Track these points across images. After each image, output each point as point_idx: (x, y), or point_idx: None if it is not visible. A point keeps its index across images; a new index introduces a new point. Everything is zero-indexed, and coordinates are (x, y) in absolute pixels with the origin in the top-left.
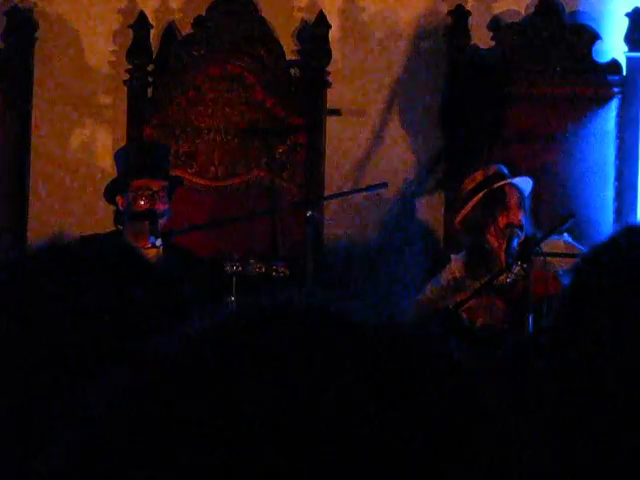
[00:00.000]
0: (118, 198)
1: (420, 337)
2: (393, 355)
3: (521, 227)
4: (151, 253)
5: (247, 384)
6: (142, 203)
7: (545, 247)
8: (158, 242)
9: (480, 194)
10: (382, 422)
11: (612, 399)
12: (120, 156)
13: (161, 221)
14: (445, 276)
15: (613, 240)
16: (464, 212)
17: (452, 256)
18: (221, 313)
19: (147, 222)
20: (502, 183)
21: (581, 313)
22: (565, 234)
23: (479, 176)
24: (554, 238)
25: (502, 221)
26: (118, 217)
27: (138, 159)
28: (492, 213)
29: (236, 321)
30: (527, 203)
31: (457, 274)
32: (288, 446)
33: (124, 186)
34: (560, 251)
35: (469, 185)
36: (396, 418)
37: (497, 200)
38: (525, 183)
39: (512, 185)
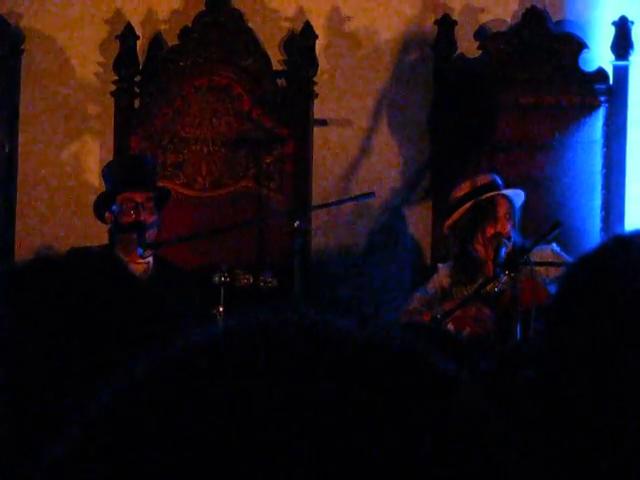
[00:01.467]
0: (107, 214)
1: (408, 353)
2: (381, 372)
3: (509, 238)
4: (140, 268)
5: (233, 404)
6: (128, 216)
7: (533, 256)
8: (147, 255)
9: (470, 202)
10: (369, 439)
11: (601, 406)
12: (106, 172)
13: (150, 232)
14: (432, 285)
15: (601, 249)
16: (454, 218)
17: (439, 265)
18: (209, 330)
19: (134, 234)
20: (493, 194)
21: (569, 321)
22: (553, 243)
23: (470, 184)
24: (542, 247)
25: (490, 231)
26: (110, 233)
27: (121, 173)
28: (481, 222)
29: (226, 339)
30: (517, 215)
31: (444, 283)
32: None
33: (111, 201)
34: (548, 260)
35: (459, 192)
36: (383, 435)
37: (487, 210)
38: (517, 195)
39: (503, 196)
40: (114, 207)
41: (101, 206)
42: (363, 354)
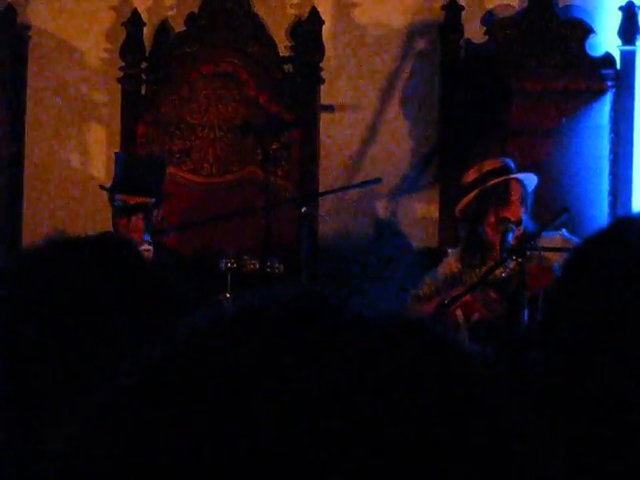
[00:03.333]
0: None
1: (421, 331)
2: (393, 351)
3: (519, 223)
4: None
5: (244, 387)
6: (120, 218)
7: (543, 242)
8: (148, 245)
9: (483, 185)
10: (381, 421)
11: (603, 387)
12: (119, 161)
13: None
14: (442, 270)
15: (607, 230)
16: (465, 202)
17: (449, 250)
18: (215, 312)
19: (129, 219)
20: (508, 177)
21: (573, 300)
22: (563, 229)
23: (484, 167)
24: (552, 234)
25: (502, 215)
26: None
27: (122, 173)
28: (493, 206)
29: (233, 320)
30: (530, 200)
31: (454, 268)
32: (284, 452)
33: (114, 195)
34: (557, 246)
35: (473, 175)
36: (396, 416)
37: (500, 193)
38: (530, 179)
39: (517, 180)
40: (117, 202)
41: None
42: (374, 333)
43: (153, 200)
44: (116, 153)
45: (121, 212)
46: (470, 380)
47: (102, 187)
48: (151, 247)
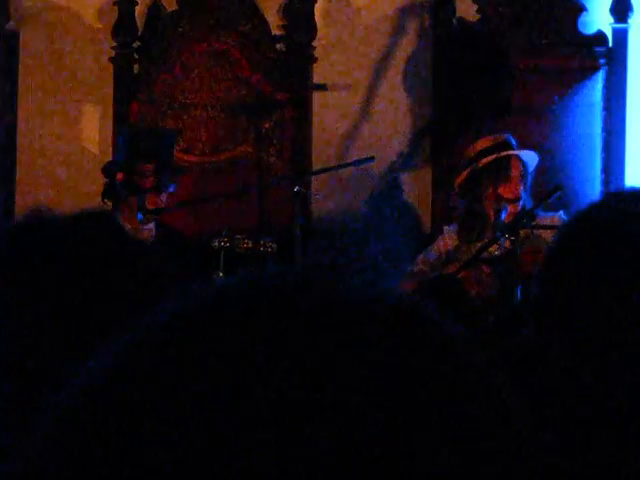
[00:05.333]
0: (119, 175)
1: (418, 313)
2: (389, 332)
3: (517, 200)
4: (145, 235)
5: (241, 366)
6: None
7: (542, 222)
8: (152, 225)
9: (486, 159)
10: (378, 405)
11: (593, 364)
12: (126, 137)
13: (156, 198)
14: (437, 247)
15: (597, 204)
16: (465, 175)
17: (445, 227)
18: (208, 291)
19: (134, 197)
20: (510, 153)
21: (561, 277)
22: (561, 211)
23: (485, 142)
24: (550, 214)
25: (501, 191)
26: (108, 191)
27: (143, 143)
28: (492, 182)
29: (226, 299)
30: (529, 179)
31: (449, 246)
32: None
33: (126, 167)
34: (554, 225)
35: (472, 150)
36: (394, 401)
37: (500, 170)
38: (531, 158)
39: (517, 158)
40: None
41: (114, 168)
42: (365, 308)
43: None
44: (122, 128)
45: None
46: (461, 365)
47: (111, 164)
48: (153, 226)
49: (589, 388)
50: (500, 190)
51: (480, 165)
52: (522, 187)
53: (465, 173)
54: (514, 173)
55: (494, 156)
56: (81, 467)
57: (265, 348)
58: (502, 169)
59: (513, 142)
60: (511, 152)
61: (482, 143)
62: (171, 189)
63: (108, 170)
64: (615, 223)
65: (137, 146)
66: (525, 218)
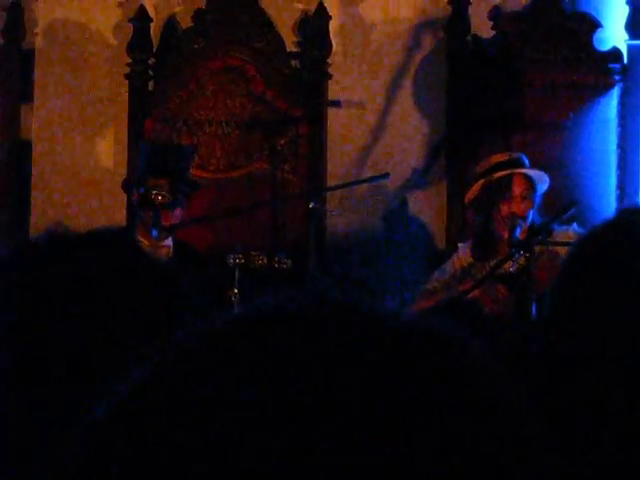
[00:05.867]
0: (133, 192)
1: (451, 340)
2: (425, 358)
3: (524, 218)
4: (162, 252)
5: (268, 387)
6: (153, 198)
7: (554, 237)
8: (164, 238)
9: (483, 179)
10: (407, 426)
11: (606, 381)
12: (143, 152)
13: (167, 214)
14: (451, 265)
15: (611, 222)
16: (470, 194)
17: (459, 245)
18: (234, 313)
19: (150, 212)
20: (507, 172)
21: (575, 293)
22: (574, 224)
23: (493, 159)
24: (563, 228)
25: (504, 210)
26: (132, 216)
27: (159, 158)
28: (495, 200)
29: (255, 322)
30: (538, 198)
31: (464, 263)
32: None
33: (142, 181)
34: (568, 240)
35: (481, 168)
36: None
37: (501, 188)
38: (538, 177)
39: (521, 175)
40: (142, 189)
41: (131, 182)
42: (399, 338)
43: (181, 186)
44: (141, 143)
45: (151, 203)
46: (482, 383)
47: (128, 181)
48: (171, 243)
49: (602, 401)
50: (503, 209)
51: (481, 184)
52: (526, 205)
53: (471, 190)
54: (516, 191)
55: (499, 174)
56: None
57: (293, 375)
58: (503, 187)
59: (523, 160)
60: (510, 171)
61: (491, 160)
62: (182, 207)
63: (126, 186)
64: (630, 239)
65: (153, 160)
66: (540, 234)
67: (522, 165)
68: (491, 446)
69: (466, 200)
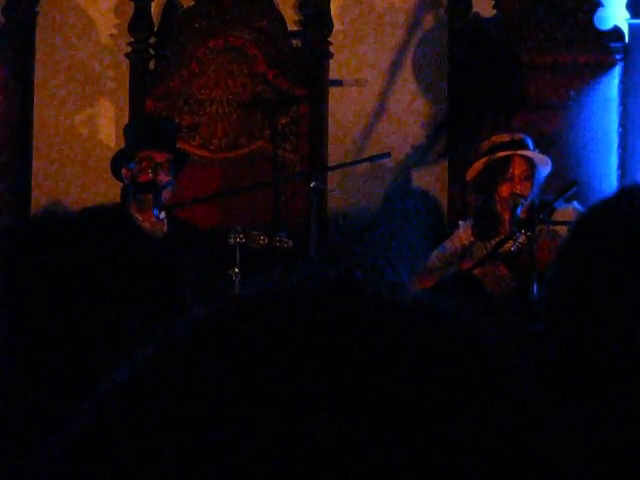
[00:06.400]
0: (124, 171)
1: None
2: (437, 338)
3: (524, 198)
4: (157, 228)
5: (278, 370)
6: (145, 174)
7: (555, 215)
8: (162, 215)
9: (484, 159)
10: (421, 409)
11: (607, 361)
12: (127, 129)
13: (165, 193)
14: (452, 243)
15: (610, 200)
16: (473, 170)
17: (460, 223)
18: (239, 294)
19: (150, 194)
20: (507, 153)
21: (576, 270)
22: (575, 202)
23: (494, 140)
24: (563, 206)
25: (505, 190)
26: (124, 191)
27: (143, 131)
28: (495, 180)
29: (260, 304)
30: (540, 180)
31: (465, 241)
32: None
33: (129, 158)
34: (569, 219)
35: (482, 147)
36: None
37: (501, 168)
38: (540, 159)
39: (521, 156)
40: (132, 164)
41: (119, 162)
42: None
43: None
44: (128, 123)
45: (143, 188)
46: (492, 365)
47: (120, 154)
48: (165, 221)
49: (599, 379)
50: (504, 189)
51: (485, 163)
52: (526, 185)
53: (472, 169)
54: (516, 171)
55: (499, 155)
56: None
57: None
58: (503, 168)
59: (526, 141)
60: (510, 152)
61: (493, 140)
62: (170, 185)
63: (114, 167)
64: (630, 216)
65: (144, 133)
66: (542, 213)
67: (524, 146)
68: (499, 421)
69: (468, 178)
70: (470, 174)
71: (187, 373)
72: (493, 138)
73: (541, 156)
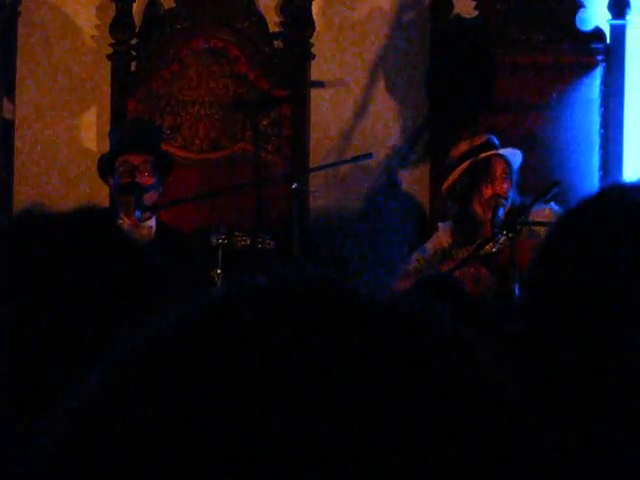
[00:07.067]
0: (109, 179)
1: (436, 322)
2: (407, 339)
3: (506, 198)
4: (143, 232)
5: (249, 371)
6: (124, 178)
7: (532, 216)
8: (147, 218)
9: (466, 163)
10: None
11: (582, 360)
12: (110, 135)
13: (148, 195)
14: (432, 245)
15: (590, 200)
16: (450, 181)
17: (440, 225)
18: (215, 291)
19: (131, 196)
20: (488, 154)
21: (554, 270)
22: (552, 203)
23: (466, 145)
24: (541, 207)
25: (487, 192)
26: (111, 195)
27: (120, 136)
28: (478, 183)
29: (234, 301)
30: (515, 176)
31: (444, 243)
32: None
33: (112, 164)
34: (546, 219)
35: (456, 153)
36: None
37: (482, 170)
38: (514, 155)
39: (499, 156)
40: (114, 170)
41: (104, 169)
42: (378, 315)
43: (153, 159)
44: (110, 128)
45: (124, 189)
46: (461, 358)
47: (103, 157)
48: (153, 224)
49: (581, 375)
50: (485, 190)
51: (462, 169)
52: (507, 185)
53: (450, 178)
54: (497, 172)
55: (470, 160)
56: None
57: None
58: (484, 169)
59: (495, 141)
60: (490, 152)
61: (463, 146)
62: (154, 188)
63: (101, 173)
64: (610, 215)
65: (127, 137)
66: (522, 214)
67: (497, 146)
68: (476, 423)
69: (444, 188)
70: (447, 184)
71: (157, 377)
72: (460, 146)
73: (513, 150)
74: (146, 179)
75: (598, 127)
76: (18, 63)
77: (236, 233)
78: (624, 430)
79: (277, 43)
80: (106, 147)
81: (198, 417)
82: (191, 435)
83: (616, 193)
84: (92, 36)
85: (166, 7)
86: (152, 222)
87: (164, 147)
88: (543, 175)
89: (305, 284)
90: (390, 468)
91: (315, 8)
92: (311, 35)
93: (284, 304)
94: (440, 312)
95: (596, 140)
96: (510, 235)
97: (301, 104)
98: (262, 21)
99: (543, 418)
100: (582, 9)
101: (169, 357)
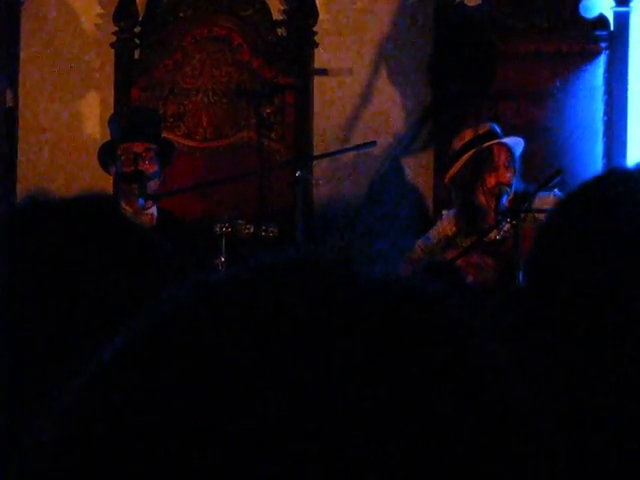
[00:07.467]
0: (111, 167)
1: (438, 298)
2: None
3: (509, 186)
4: (145, 219)
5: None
6: (127, 166)
7: (536, 202)
8: (149, 206)
9: (469, 153)
10: (382, 382)
11: (581, 348)
12: (110, 123)
13: (151, 183)
14: (436, 233)
15: (591, 183)
16: (453, 170)
17: (444, 212)
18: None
19: (134, 184)
20: (491, 143)
21: (555, 255)
22: (556, 190)
23: (469, 134)
24: (545, 194)
25: (490, 181)
26: (114, 183)
27: (121, 124)
28: (480, 172)
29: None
30: (517, 163)
31: (448, 231)
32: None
33: (112, 152)
34: (550, 206)
35: (459, 143)
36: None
37: (485, 159)
38: (516, 143)
39: (502, 145)
40: (116, 158)
41: (105, 157)
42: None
43: (156, 147)
44: (110, 116)
45: (126, 178)
46: (462, 338)
47: (105, 145)
48: (155, 211)
49: (582, 361)
50: (489, 179)
51: (465, 159)
52: (510, 173)
53: (453, 168)
54: (500, 161)
55: (474, 150)
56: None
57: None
58: (487, 158)
59: (496, 130)
60: (492, 142)
61: (465, 135)
62: (157, 176)
63: (102, 162)
64: (610, 200)
65: (128, 125)
66: (526, 201)
67: (499, 134)
68: (476, 404)
69: (447, 178)
70: (451, 173)
71: (150, 369)
72: (465, 134)
73: (515, 139)
74: (149, 167)
75: (602, 115)
76: (21, 51)
77: (240, 221)
78: (625, 415)
79: (280, 31)
80: (108, 135)
81: (203, 408)
82: (195, 426)
83: (616, 177)
84: (95, 24)
85: None
86: (154, 210)
87: (167, 135)
88: (547, 163)
89: (288, 265)
90: (390, 450)
91: None
92: (314, 23)
93: (290, 284)
94: (443, 293)
95: (600, 127)
96: (514, 222)
97: (304, 92)
98: (265, 9)
99: (543, 404)
100: None
101: (170, 346)
